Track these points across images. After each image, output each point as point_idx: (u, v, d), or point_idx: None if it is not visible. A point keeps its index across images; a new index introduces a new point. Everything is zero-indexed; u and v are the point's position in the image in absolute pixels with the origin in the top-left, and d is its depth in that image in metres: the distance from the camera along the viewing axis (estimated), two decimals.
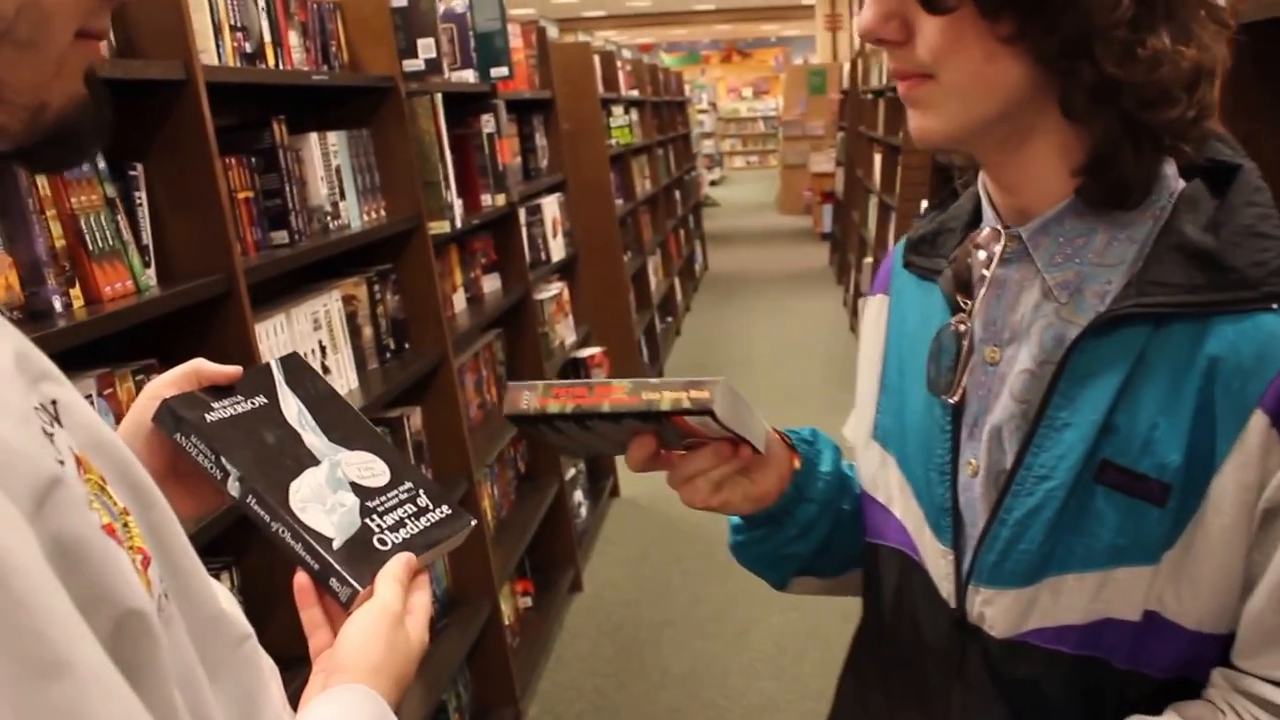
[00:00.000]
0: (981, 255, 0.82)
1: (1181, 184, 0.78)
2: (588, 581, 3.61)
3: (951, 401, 0.82)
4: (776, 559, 0.97)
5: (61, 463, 0.52)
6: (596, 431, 0.85)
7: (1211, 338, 0.72)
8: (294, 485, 0.79)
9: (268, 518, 0.78)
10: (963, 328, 0.82)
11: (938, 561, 0.84)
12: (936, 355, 0.83)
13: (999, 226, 0.82)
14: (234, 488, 0.78)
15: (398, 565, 0.78)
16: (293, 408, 0.86)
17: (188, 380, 0.83)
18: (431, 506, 0.85)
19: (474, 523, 0.86)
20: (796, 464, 0.92)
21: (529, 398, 0.84)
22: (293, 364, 0.89)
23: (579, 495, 3.85)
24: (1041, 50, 0.72)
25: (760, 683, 2.95)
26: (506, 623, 2.80)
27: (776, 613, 3.30)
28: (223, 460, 0.78)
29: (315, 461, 0.82)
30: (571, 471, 3.73)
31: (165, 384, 0.82)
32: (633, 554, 3.85)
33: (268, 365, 0.87)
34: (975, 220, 0.87)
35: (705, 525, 3.99)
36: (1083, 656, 0.77)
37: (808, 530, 0.93)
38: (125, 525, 0.58)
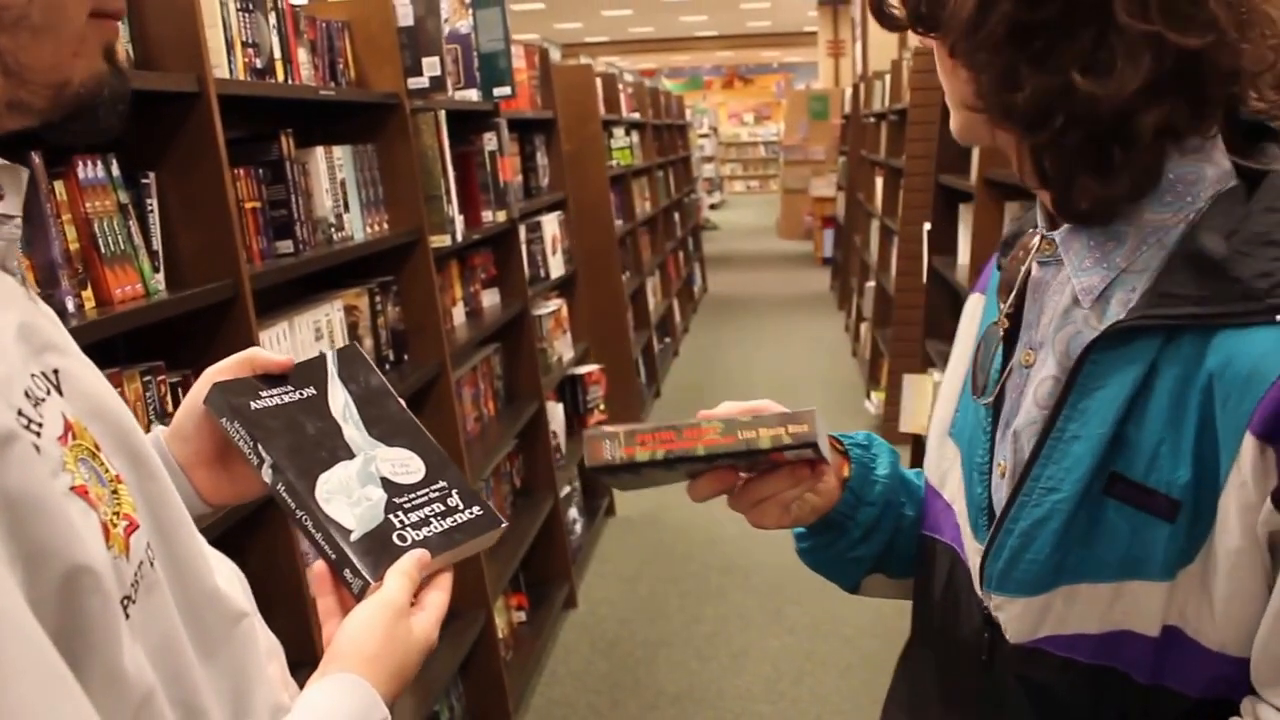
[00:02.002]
0: (1027, 259, 0.83)
1: (1217, 190, 0.75)
2: (582, 598, 3.62)
3: (984, 403, 0.83)
4: (844, 563, 0.97)
5: (39, 424, 0.55)
6: (676, 470, 0.85)
7: (1213, 352, 0.70)
8: (324, 476, 0.81)
9: (293, 505, 0.79)
10: (1003, 330, 0.82)
11: (974, 558, 0.84)
12: (982, 356, 0.84)
13: (1042, 229, 0.82)
14: (266, 474, 0.80)
15: (409, 561, 0.78)
16: (339, 400, 0.87)
17: (243, 367, 0.86)
18: (462, 507, 0.84)
19: (505, 525, 0.85)
20: (846, 471, 0.93)
21: (611, 448, 0.83)
22: (348, 356, 0.90)
23: (574, 512, 3.86)
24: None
25: (756, 706, 2.94)
26: (500, 636, 2.81)
27: (773, 637, 3.31)
28: (259, 447, 0.81)
29: (351, 455, 0.83)
30: (567, 488, 3.75)
31: (221, 370, 0.85)
32: (628, 572, 3.86)
33: (323, 356, 0.89)
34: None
35: (701, 546, 4.01)
36: (1099, 666, 0.76)
37: (869, 533, 0.94)
38: (114, 492, 0.60)
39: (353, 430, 0.85)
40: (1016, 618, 0.79)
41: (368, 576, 0.77)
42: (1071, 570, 0.75)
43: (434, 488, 0.84)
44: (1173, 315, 0.71)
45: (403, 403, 0.91)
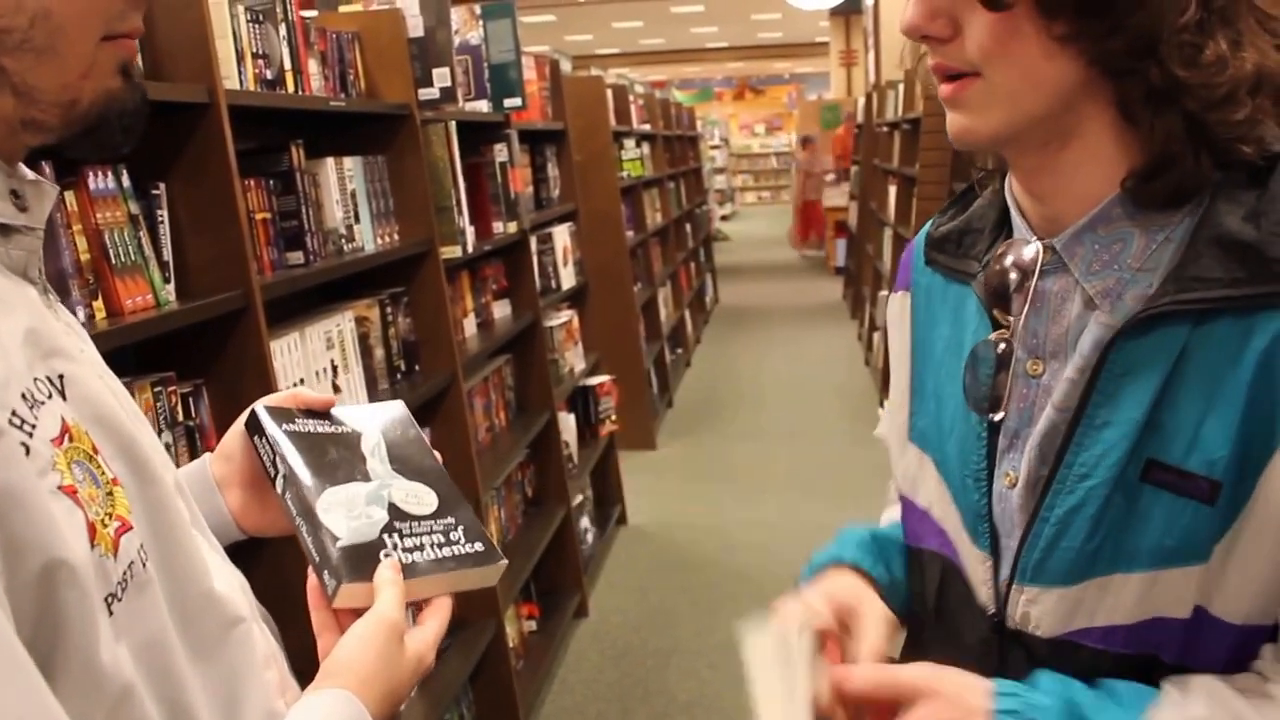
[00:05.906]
0: (1015, 269, 0.80)
1: (1218, 175, 0.75)
2: (593, 607, 3.62)
3: (996, 419, 0.81)
4: None
5: (32, 425, 0.57)
6: None
7: (1259, 332, 0.70)
8: (331, 490, 0.82)
9: (294, 511, 0.81)
10: (1003, 345, 0.81)
11: (976, 566, 0.84)
12: (974, 368, 0.83)
13: (1029, 237, 0.80)
14: (279, 484, 0.83)
15: (390, 570, 0.78)
16: (372, 439, 0.89)
17: (288, 401, 0.90)
18: (463, 541, 0.84)
19: (505, 563, 0.86)
20: (877, 591, 0.93)
21: None
22: (393, 409, 0.94)
23: (585, 522, 3.87)
24: (1102, 51, 0.71)
25: None
26: (511, 645, 2.81)
27: None
28: (277, 461, 0.83)
29: (367, 480, 0.85)
30: (579, 498, 3.75)
31: (269, 401, 0.90)
32: (639, 582, 3.85)
33: (370, 406, 0.93)
34: (1002, 222, 0.86)
35: (712, 556, 4.01)
36: (1131, 653, 0.76)
37: (893, 597, 0.95)
38: (109, 494, 0.62)
39: (376, 463, 0.87)
40: (1050, 610, 0.78)
41: (340, 578, 0.77)
42: (1107, 560, 0.75)
43: (440, 521, 0.85)
44: (1207, 299, 0.71)
45: (437, 455, 0.92)
